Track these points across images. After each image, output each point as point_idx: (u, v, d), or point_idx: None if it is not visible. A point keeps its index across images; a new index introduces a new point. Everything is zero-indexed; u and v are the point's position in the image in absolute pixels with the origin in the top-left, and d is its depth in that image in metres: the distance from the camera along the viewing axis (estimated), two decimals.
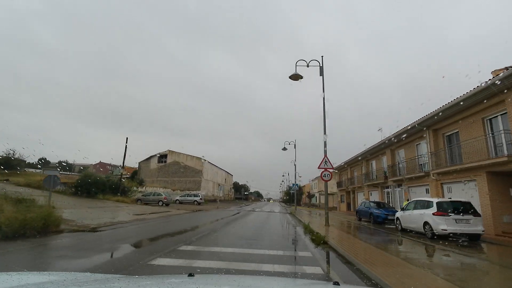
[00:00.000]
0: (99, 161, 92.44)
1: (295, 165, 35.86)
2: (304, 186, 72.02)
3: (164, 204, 29.29)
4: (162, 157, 56.51)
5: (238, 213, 24.10)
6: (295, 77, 14.30)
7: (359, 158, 29.42)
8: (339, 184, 39.53)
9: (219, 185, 65.56)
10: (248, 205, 51.63)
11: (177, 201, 39.58)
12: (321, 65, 14.72)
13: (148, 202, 29.73)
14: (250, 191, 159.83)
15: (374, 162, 27.52)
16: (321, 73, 14.68)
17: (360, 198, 30.14)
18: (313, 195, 57.90)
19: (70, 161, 78.55)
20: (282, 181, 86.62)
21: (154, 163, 56.71)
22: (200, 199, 39.49)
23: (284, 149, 32.76)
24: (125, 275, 2.09)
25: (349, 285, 3.53)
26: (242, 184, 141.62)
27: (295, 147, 33.80)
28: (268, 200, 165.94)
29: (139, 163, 60.31)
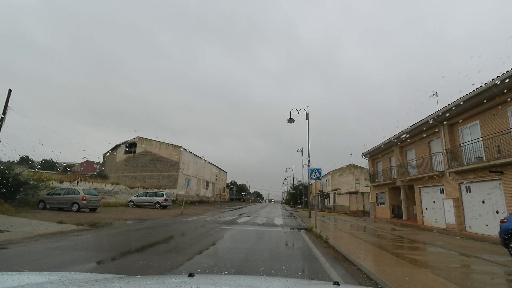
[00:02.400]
0: (85, 160, 79.90)
1: (308, 140, 21.22)
2: (311, 184, 59.03)
3: (87, 209, 16.92)
4: (131, 146, 43.88)
5: (185, 232, 11.45)
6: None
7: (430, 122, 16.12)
8: (372, 178, 26.42)
9: (207, 182, 52.78)
10: (239, 208, 38.89)
11: (131, 203, 26.96)
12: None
13: (55, 206, 17.21)
14: (250, 191, 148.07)
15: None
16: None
17: (430, 199, 17.27)
18: (327, 195, 45.02)
19: (66, 160, 66.02)
20: (285, 178, 74.07)
21: (120, 154, 44.10)
22: (165, 199, 26.80)
23: (291, 120, 19.86)
24: (125, 275, 1.92)
25: (349, 285, 3.28)
26: (240, 184, 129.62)
27: (307, 117, 20.65)
28: (269, 201, 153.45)
29: (104, 154, 47.79)
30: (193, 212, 24.10)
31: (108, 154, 47.22)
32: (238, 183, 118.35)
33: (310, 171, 15.54)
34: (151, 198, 27.19)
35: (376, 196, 25.40)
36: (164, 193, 27.82)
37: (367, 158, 27.16)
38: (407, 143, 20.06)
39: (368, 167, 28.66)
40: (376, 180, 25.13)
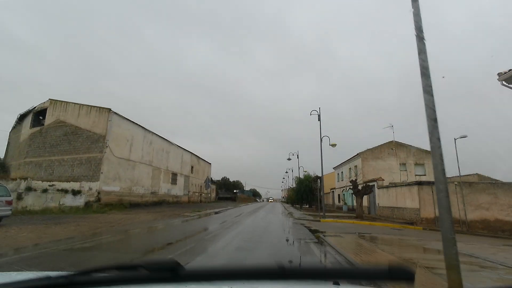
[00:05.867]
0: None
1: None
2: (318, 179, 42.34)
3: None
4: (39, 115, 27.29)
5: None
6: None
7: None
8: None
9: (174, 175, 36.20)
10: (207, 214, 22.69)
11: None
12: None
13: None
14: (246, 189, 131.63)
15: None
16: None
17: None
18: (368, 188, 28.11)
19: None
20: (286, 171, 57.39)
21: (26, 129, 27.53)
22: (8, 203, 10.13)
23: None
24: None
25: (349, 285, 1.83)
26: (234, 181, 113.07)
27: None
28: (268, 200, 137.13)
29: (9, 133, 31.17)
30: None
31: (12, 130, 30.61)
32: (229, 179, 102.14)
33: None
34: None
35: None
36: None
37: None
38: None
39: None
40: None
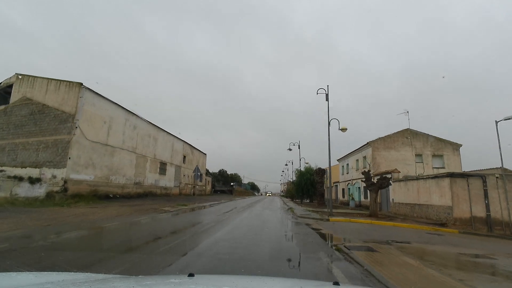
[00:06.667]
0: None
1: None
2: (321, 171, 38.80)
3: None
4: (6, 92, 23.76)
5: None
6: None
7: None
8: None
9: (161, 164, 32.91)
10: (194, 208, 19.52)
11: None
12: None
13: None
14: (244, 182, 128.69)
15: None
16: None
17: None
18: (385, 181, 24.56)
19: None
20: (286, 164, 54.06)
21: None
22: None
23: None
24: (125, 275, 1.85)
25: (349, 285, 3.14)
26: (231, 174, 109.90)
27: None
28: (266, 194, 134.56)
29: None
30: None
31: None
32: (227, 172, 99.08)
33: None
34: None
35: None
36: None
37: None
38: None
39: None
40: None
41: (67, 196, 17.90)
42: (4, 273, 1.40)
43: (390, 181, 17.26)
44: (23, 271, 1.46)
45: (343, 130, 18.56)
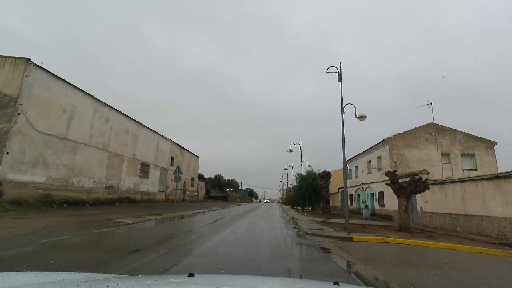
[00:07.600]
0: None
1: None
2: (326, 175, 34.23)
3: None
4: None
5: None
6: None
7: None
8: None
9: (143, 165, 28.62)
10: (164, 219, 15.08)
11: None
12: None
13: None
14: (241, 188, 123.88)
15: None
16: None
17: None
18: (418, 183, 19.66)
19: None
20: (285, 168, 49.63)
21: None
22: None
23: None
24: (126, 275, 1.86)
25: (349, 285, 2.96)
26: (228, 180, 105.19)
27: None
28: (264, 200, 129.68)
29: None
30: None
31: None
32: (223, 177, 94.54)
33: None
34: None
35: None
36: None
37: None
38: None
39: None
40: None
41: (2, 202, 13.61)
42: (4, 273, 1.38)
43: (427, 184, 13.02)
44: (23, 271, 1.41)
45: (361, 118, 14.47)
